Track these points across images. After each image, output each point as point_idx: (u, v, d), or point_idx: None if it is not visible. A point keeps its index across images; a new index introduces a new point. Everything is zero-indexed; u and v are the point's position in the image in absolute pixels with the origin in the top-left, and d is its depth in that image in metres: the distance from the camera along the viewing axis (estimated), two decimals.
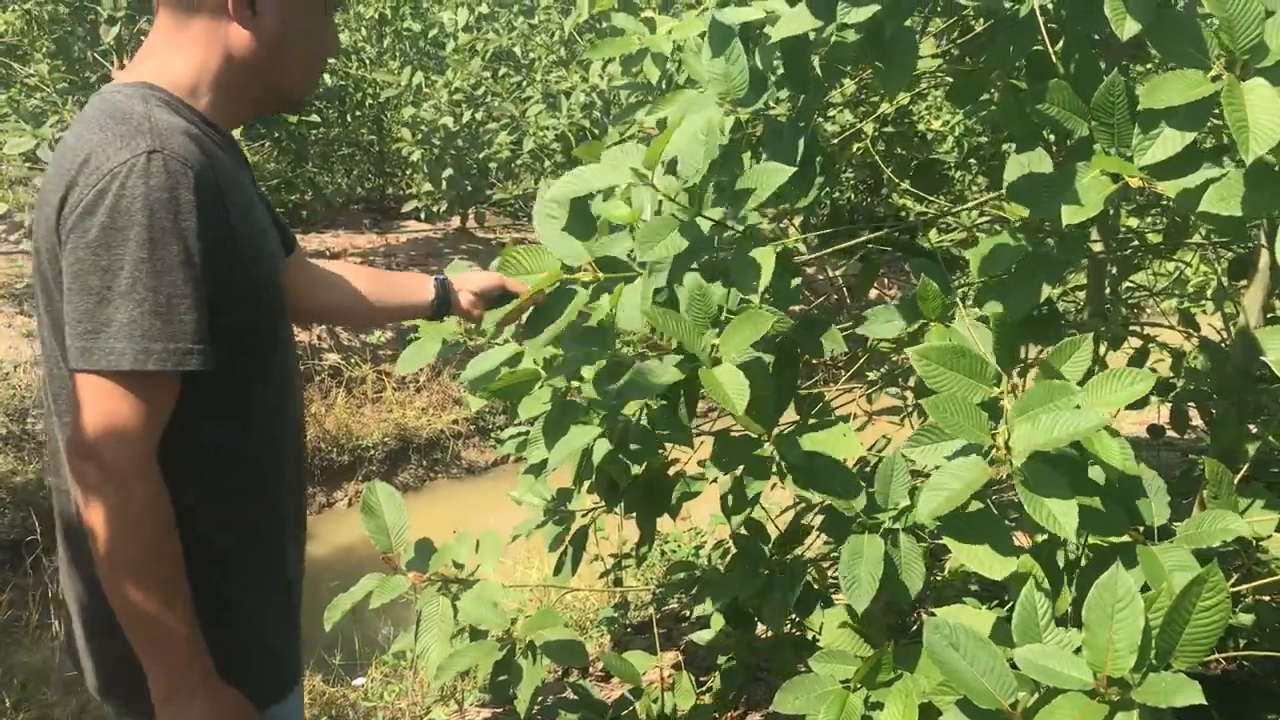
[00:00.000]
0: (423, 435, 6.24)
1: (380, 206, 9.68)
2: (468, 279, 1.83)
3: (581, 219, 1.80)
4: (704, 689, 2.48)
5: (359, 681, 3.30)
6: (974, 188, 4.20)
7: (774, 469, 1.79)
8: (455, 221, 9.01)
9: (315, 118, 8.34)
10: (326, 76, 8.43)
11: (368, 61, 9.12)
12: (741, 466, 1.77)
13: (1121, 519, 1.56)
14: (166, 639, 1.23)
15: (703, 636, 2.26)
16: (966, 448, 1.48)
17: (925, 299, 1.74)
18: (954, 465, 1.45)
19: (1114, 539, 1.55)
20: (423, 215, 8.81)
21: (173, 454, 1.25)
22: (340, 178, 9.54)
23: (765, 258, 1.66)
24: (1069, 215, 1.53)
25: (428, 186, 8.50)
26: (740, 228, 1.76)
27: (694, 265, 1.73)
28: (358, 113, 9.20)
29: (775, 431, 1.78)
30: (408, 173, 9.61)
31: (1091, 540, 1.76)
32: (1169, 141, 1.43)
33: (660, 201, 1.72)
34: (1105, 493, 1.60)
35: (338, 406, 6.02)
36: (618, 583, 2.94)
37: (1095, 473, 1.65)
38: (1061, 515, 1.36)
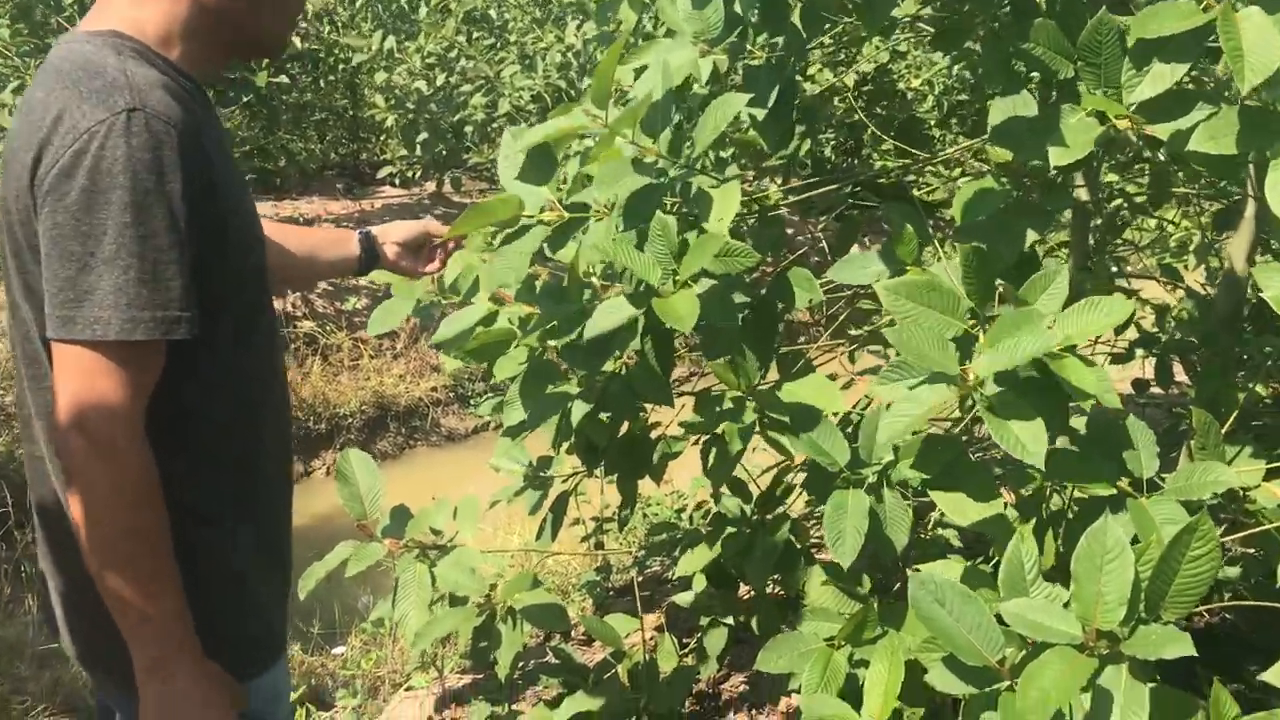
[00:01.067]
0: (401, 403, 6.18)
1: (355, 172, 9.55)
2: (390, 230, 1.79)
3: (540, 163, 1.74)
4: (687, 650, 2.45)
5: (338, 650, 3.26)
6: (955, 145, 4.16)
7: (754, 422, 1.75)
8: (431, 187, 8.90)
9: (285, 79, 8.19)
10: (297, 40, 8.27)
11: (340, 25, 8.96)
12: (723, 425, 1.72)
13: (1109, 469, 1.53)
14: (151, 612, 1.18)
15: (685, 598, 2.23)
16: (933, 376, 1.43)
17: (901, 242, 1.70)
18: (917, 392, 1.40)
19: (1101, 491, 1.51)
20: (398, 181, 8.70)
21: (160, 421, 1.21)
22: (314, 143, 9.41)
23: (728, 194, 1.61)
24: (1056, 157, 1.48)
25: (402, 151, 8.39)
26: (716, 176, 1.71)
27: (667, 212, 1.68)
28: (330, 77, 9.05)
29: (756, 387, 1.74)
30: (382, 138, 9.48)
31: (1078, 494, 1.74)
32: (1160, 77, 1.38)
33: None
34: (1092, 440, 1.57)
35: (314, 374, 5.94)
36: (599, 546, 2.91)
37: (1079, 424, 1.63)
38: (1028, 439, 1.31)
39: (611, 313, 1.55)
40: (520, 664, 2.51)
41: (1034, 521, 1.77)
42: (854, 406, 2.89)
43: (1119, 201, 3.02)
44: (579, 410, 1.87)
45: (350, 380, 6.05)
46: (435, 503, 2.33)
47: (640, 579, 2.98)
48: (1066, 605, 1.26)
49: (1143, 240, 3.87)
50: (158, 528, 1.19)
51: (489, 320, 1.97)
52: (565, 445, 2.07)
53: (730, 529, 1.94)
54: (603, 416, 1.90)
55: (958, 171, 3.20)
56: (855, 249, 2.58)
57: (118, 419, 1.14)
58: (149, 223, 1.13)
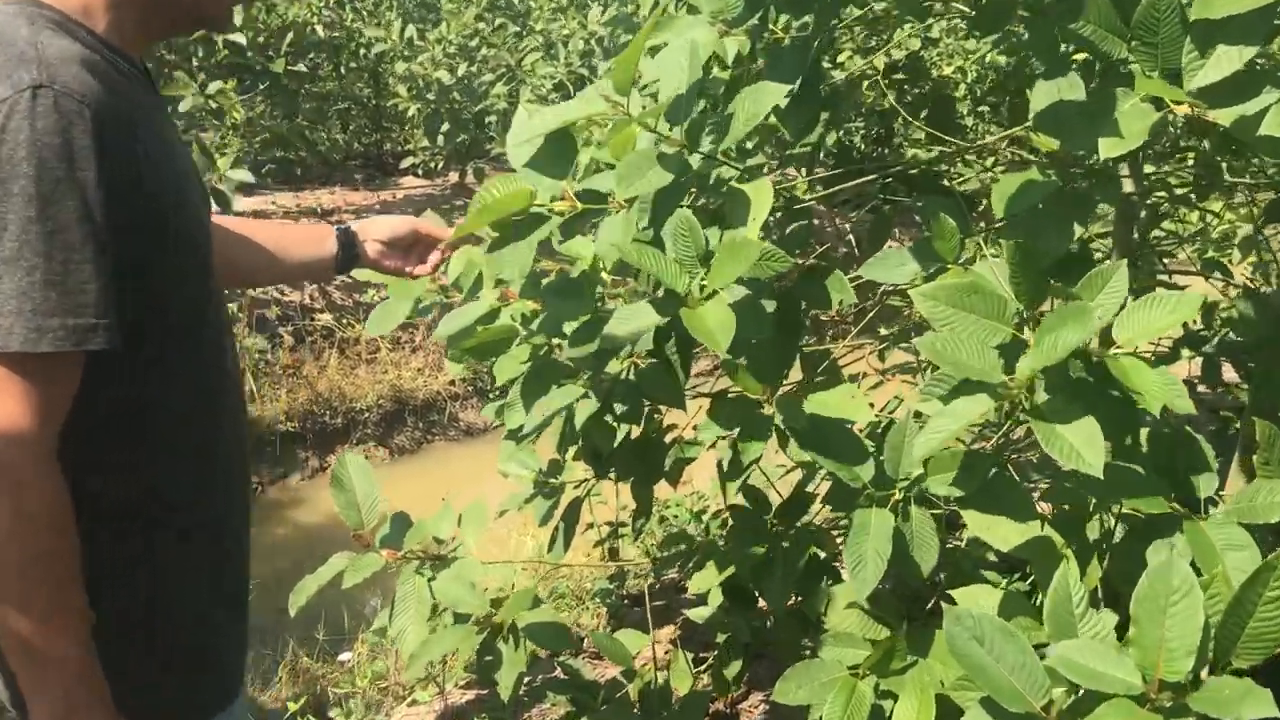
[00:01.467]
0: (419, 397, 6.08)
1: (378, 162, 9.46)
2: (372, 226, 1.62)
3: (558, 152, 1.58)
4: (703, 667, 2.32)
5: (344, 656, 3.16)
6: (988, 135, 4.00)
7: (774, 432, 1.62)
8: (454, 177, 8.80)
9: (303, 68, 8.10)
10: (319, 28, 8.18)
11: (364, 14, 8.86)
12: (738, 429, 1.59)
13: (1163, 485, 1.39)
14: (55, 658, 1.05)
15: (700, 614, 2.10)
16: (972, 386, 1.30)
17: (941, 238, 1.56)
18: (954, 405, 1.27)
19: (1154, 510, 1.37)
20: (420, 171, 8.60)
21: (118, 412, 1.11)
22: (337, 133, 9.32)
23: (761, 192, 1.47)
24: (1107, 148, 1.34)
25: (425, 142, 8.29)
26: (738, 166, 1.58)
27: (683, 204, 1.55)
28: (352, 65, 8.96)
29: (778, 393, 1.60)
30: (405, 128, 9.38)
31: (1125, 510, 1.60)
32: (1226, 59, 1.25)
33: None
34: (1145, 451, 1.44)
35: (331, 368, 5.85)
36: (614, 553, 2.79)
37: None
38: (1082, 444, 1.16)
39: (632, 319, 1.41)
40: (528, 680, 2.40)
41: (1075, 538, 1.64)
42: (883, 407, 2.76)
43: (1160, 192, 2.86)
44: (583, 413, 1.75)
45: (368, 374, 5.96)
46: (440, 508, 2.22)
47: (656, 586, 2.86)
48: (1121, 641, 1.13)
49: (1184, 232, 3.69)
50: (65, 561, 1.06)
51: (490, 317, 1.85)
52: (572, 451, 1.95)
53: (748, 543, 1.80)
54: (609, 419, 1.78)
55: (991, 160, 3.05)
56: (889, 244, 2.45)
57: (22, 443, 1.01)
58: (57, 216, 1.00)
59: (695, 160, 1.49)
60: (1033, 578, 1.61)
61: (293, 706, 2.72)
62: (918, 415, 1.51)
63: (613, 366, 1.75)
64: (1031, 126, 1.52)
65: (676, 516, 3.56)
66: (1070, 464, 1.14)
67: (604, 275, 1.70)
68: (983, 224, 1.82)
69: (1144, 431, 1.47)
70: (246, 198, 7.14)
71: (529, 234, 1.52)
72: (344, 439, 5.73)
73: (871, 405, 1.74)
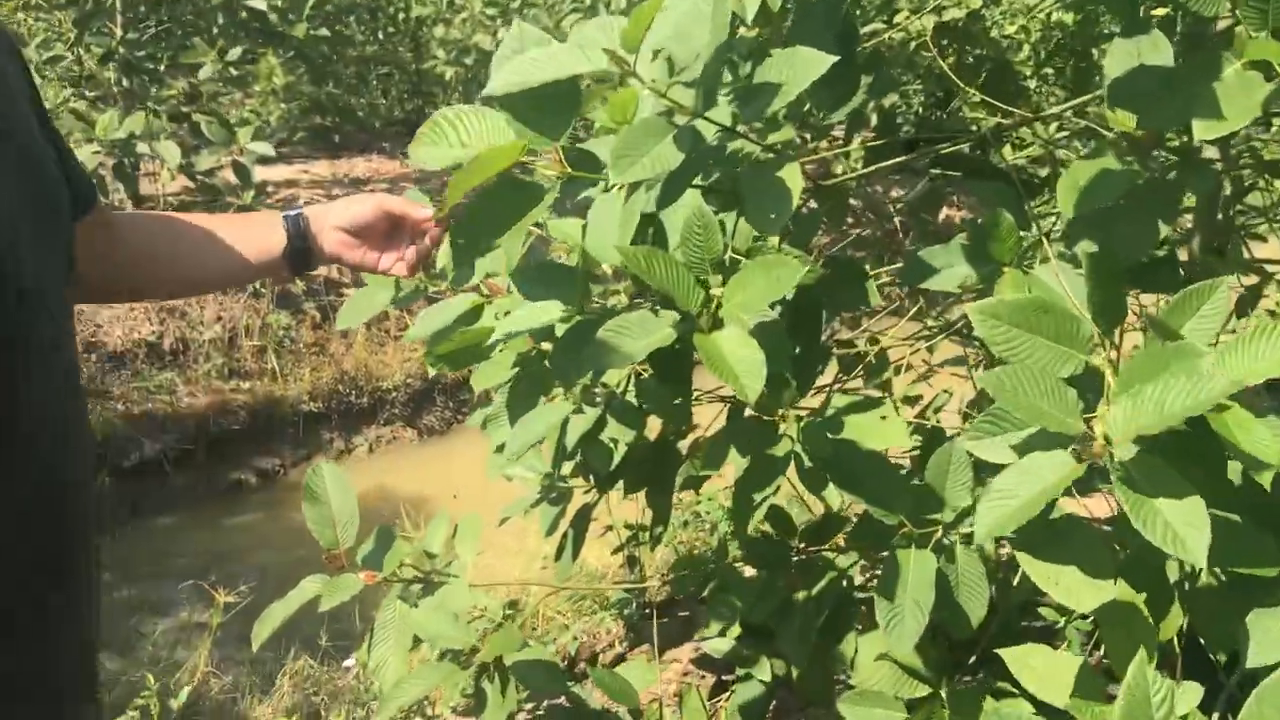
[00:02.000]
0: (448, 375, 5.88)
1: (419, 128, 9.25)
2: (331, 211, 1.29)
3: (556, 107, 1.21)
4: (723, 695, 2.10)
5: (349, 663, 2.98)
6: (1052, 99, 3.69)
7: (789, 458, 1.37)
8: None
9: (338, 31, 7.90)
10: None
11: None
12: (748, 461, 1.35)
13: (1270, 545, 1.13)
14: None
15: (717, 648, 1.87)
16: (1044, 436, 1.06)
17: (997, 237, 1.30)
18: (1028, 462, 1.03)
19: (1262, 573, 1.12)
20: None
21: None
22: (378, 99, 9.12)
23: (792, 178, 1.20)
24: (1204, 130, 1.06)
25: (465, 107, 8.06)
26: (764, 144, 1.30)
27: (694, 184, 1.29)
28: (390, 29, 8.75)
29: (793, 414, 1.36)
30: (446, 93, 9.15)
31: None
32: None
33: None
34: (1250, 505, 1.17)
35: (357, 345, 5.67)
36: (632, 561, 2.56)
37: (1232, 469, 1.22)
38: (1184, 527, 0.92)
39: (643, 334, 1.17)
40: (529, 705, 2.19)
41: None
42: (925, 407, 2.50)
43: (1247, 160, 2.55)
44: (575, 430, 1.52)
45: (395, 351, 5.77)
46: (431, 522, 2.03)
47: (679, 596, 2.63)
48: None
49: (1275, 211, 3.36)
50: None
51: (472, 316, 1.61)
52: (568, 467, 1.73)
53: (765, 586, 1.57)
54: (604, 438, 1.55)
55: (1054, 127, 2.76)
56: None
57: None
58: None
59: (710, 133, 1.22)
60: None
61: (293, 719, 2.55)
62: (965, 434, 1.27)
63: (610, 378, 1.52)
64: (1104, 99, 1.26)
65: (709, 513, 3.33)
66: (1167, 548, 0.89)
67: (604, 268, 1.46)
68: (1045, 204, 1.55)
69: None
70: (280, 167, 6.97)
71: (517, 207, 1.24)
72: (370, 419, 5.56)
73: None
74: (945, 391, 2.57)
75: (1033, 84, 3.68)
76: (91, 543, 0.97)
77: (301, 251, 1.28)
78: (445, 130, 1.20)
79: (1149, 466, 0.99)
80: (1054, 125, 2.79)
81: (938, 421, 2.43)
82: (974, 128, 2.02)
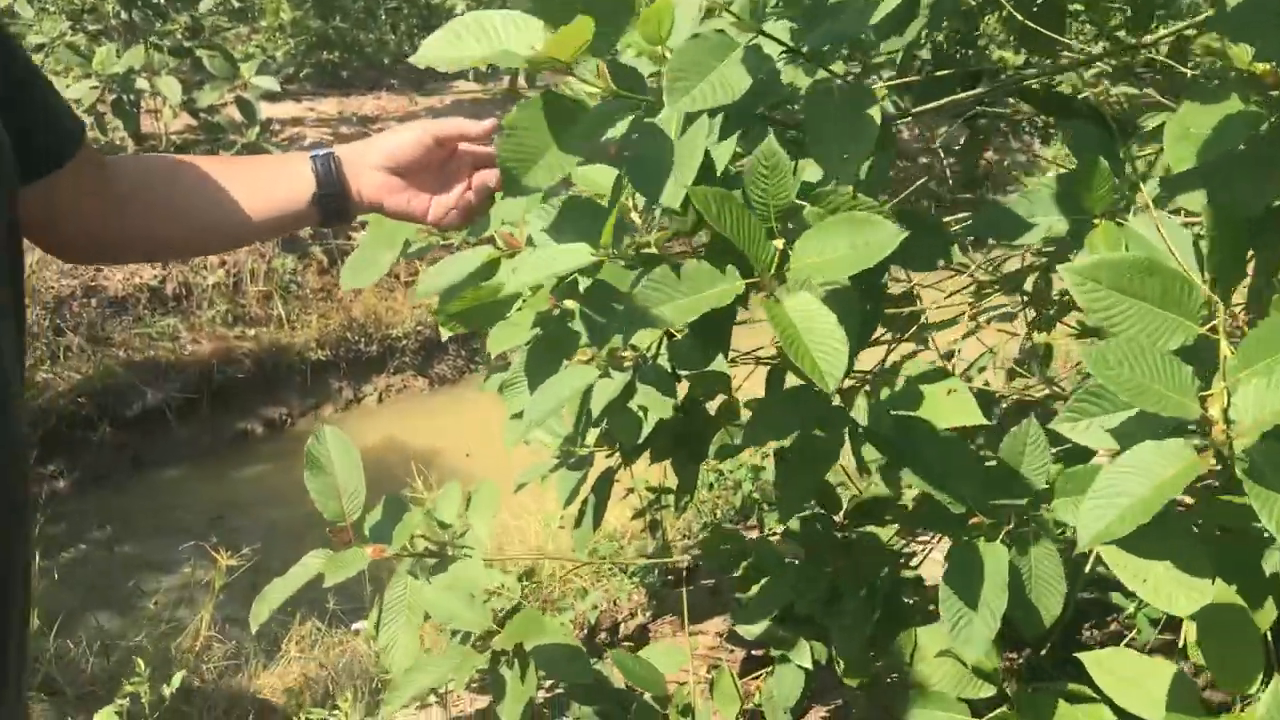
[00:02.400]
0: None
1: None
2: (367, 150, 1.06)
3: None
4: (757, 674, 1.96)
5: (358, 626, 2.86)
6: (1155, 35, 3.45)
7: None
8: (505, 81, 8.34)
9: None
10: None
11: None
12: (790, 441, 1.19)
13: None
14: None
15: (750, 631, 1.74)
16: (1146, 420, 0.91)
17: (1091, 185, 1.13)
18: (1137, 455, 0.88)
19: None
20: (471, 75, 8.15)
21: None
22: (387, 34, 8.87)
23: (873, 115, 1.03)
24: None
25: None
26: (835, 72, 1.12)
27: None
28: None
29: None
30: None
31: None
32: None
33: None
34: None
35: (366, 291, 5.50)
36: (654, 527, 2.43)
37: None
38: None
39: (691, 289, 1.00)
40: (548, 682, 2.07)
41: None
42: (970, 365, 2.34)
43: None
44: (600, 398, 1.37)
45: (406, 298, 5.61)
46: (443, 491, 1.90)
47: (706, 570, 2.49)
48: None
49: None
50: None
51: (487, 271, 1.45)
52: (592, 435, 1.58)
53: (809, 570, 1.42)
54: (633, 406, 1.39)
55: (1093, 73, 2.55)
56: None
57: None
58: None
59: (775, 52, 1.03)
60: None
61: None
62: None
63: (639, 339, 1.36)
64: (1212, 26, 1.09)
65: (733, 471, 3.18)
66: None
67: (633, 215, 1.30)
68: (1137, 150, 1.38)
69: None
70: (286, 104, 6.78)
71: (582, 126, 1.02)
72: (380, 368, 5.42)
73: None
74: (990, 350, 2.41)
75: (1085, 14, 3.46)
76: (20, 561, 0.82)
77: (333, 198, 1.06)
78: (463, 34, 1.01)
79: (1272, 453, 0.85)
80: (1093, 71, 2.58)
81: (985, 384, 2.28)
82: (1061, 59, 1.81)
